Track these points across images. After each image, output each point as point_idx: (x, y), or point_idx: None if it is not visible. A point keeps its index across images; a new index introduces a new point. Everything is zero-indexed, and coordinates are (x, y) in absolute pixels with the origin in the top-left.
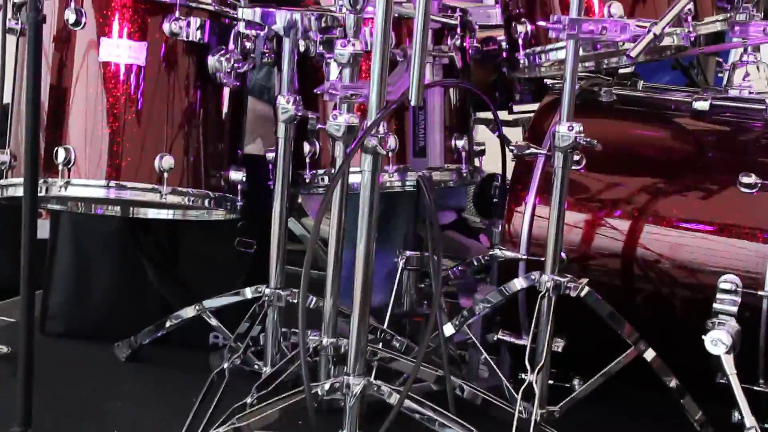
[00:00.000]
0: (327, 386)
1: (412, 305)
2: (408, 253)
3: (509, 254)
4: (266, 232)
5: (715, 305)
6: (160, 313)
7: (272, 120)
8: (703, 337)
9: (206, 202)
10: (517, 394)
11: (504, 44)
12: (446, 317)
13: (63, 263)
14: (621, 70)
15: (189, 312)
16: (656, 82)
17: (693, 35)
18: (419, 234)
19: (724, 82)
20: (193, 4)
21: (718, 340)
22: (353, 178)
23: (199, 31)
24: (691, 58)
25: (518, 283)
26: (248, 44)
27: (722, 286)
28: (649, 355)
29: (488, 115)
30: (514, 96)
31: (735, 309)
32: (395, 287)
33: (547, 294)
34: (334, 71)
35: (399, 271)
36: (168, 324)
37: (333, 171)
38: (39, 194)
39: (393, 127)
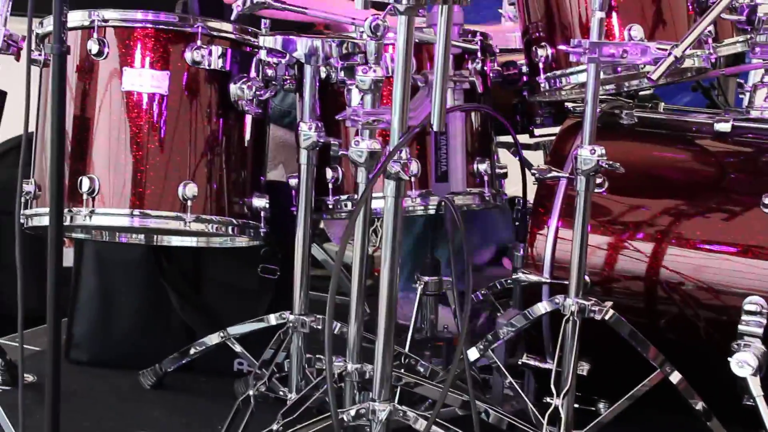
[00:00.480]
0: (353, 412)
1: (433, 330)
2: (426, 278)
3: (533, 278)
4: (289, 259)
5: (740, 327)
6: (185, 341)
7: (294, 146)
8: (729, 359)
9: (230, 229)
10: (543, 418)
11: (524, 68)
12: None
13: (87, 291)
14: (641, 92)
15: (213, 339)
16: (676, 103)
17: (714, 57)
18: (437, 258)
19: (745, 103)
20: (215, 33)
21: (744, 362)
22: (376, 204)
23: (220, 60)
24: (712, 79)
25: (542, 307)
26: (270, 71)
27: (747, 307)
28: (675, 377)
29: (509, 138)
30: (535, 119)
31: (761, 331)
32: (414, 313)
33: (571, 317)
34: (355, 97)
35: (417, 296)
36: (192, 351)
37: (356, 197)
38: (64, 224)
39: (415, 152)
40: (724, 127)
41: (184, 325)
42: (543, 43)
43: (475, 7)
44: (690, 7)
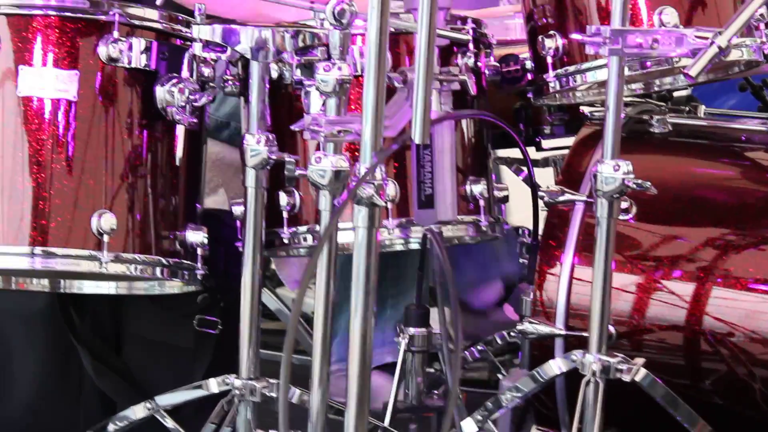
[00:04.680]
0: None
1: (419, 396)
2: (412, 330)
3: (543, 329)
4: (234, 308)
5: None
6: (101, 414)
7: (237, 164)
8: None
9: (158, 271)
10: None
11: (529, 63)
12: (465, 410)
13: None
14: (675, 94)
15: (138, 411)
16: (719, 106)
17: (767, 47)
18: (426, 306)
19: None
20: (137, 22)
21: None
22: (343, 237)
23: (144, 56)
24: (764, 76)
25: (555, 366)
26: (206, 70)
27: None
28: None
29: (510, 153)
30: (543, 128)
31: None
32: (397, 374)
33: (592, 379)
34: (315, 102)
35: (401, 353)
36: (111, 428)
37: (318, 228)
38: None
39: (392, 171)
40: None
41: (101, 395)
42: (552, 32)
43: None
44: None
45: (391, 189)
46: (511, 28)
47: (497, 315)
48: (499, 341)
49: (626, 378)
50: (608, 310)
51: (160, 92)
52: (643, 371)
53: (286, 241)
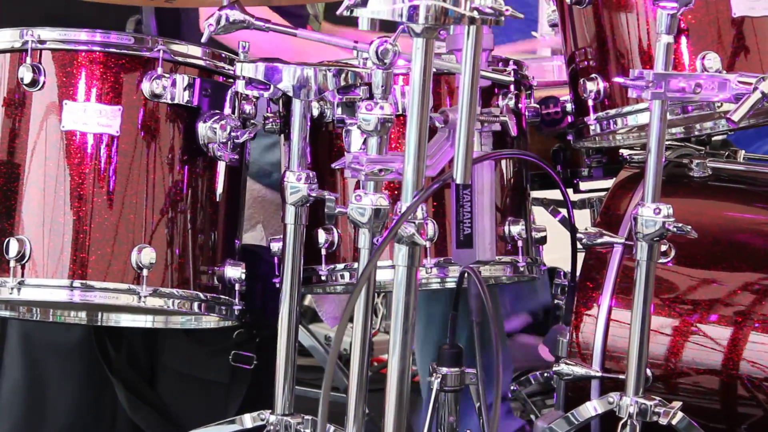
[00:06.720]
0: None
1: None
2: (444, 370)
3: (579, 370)
4: (270, 344)
5: None
6: None
7: (276, 202)
8: None
9: (195, 305)
10: None
11: (569, 106)
12: None
13: (11, 383)
14: (713, 138)
15: None
16: (754, 152)
17: None
18: (458, 345)
19: None
20: (180, 59)
21: None
22: (381, 275)
23: (186, 92)
24: None
25: (591, 408)
26: (248, 108)
27: None
28: None
29: (547, 194)
30: (581, 170)
31: None
32: (429, 414)
33: (629, 421)
34: (356, 141)
35: (434, 393)
36: None
37: (356, 266)
38: None
39: (431, 210)
40: None
41: (135, 428)
42: (593, 75)
43: (505, 30)
44: None
45: (431, 228)
46: (548, 69)
47: (522, 339)
48: (533, 381)
49: (663, 421)
50: (646, 352)
51: (202, 128)
52: (680, 415)
53: (323, 278)
